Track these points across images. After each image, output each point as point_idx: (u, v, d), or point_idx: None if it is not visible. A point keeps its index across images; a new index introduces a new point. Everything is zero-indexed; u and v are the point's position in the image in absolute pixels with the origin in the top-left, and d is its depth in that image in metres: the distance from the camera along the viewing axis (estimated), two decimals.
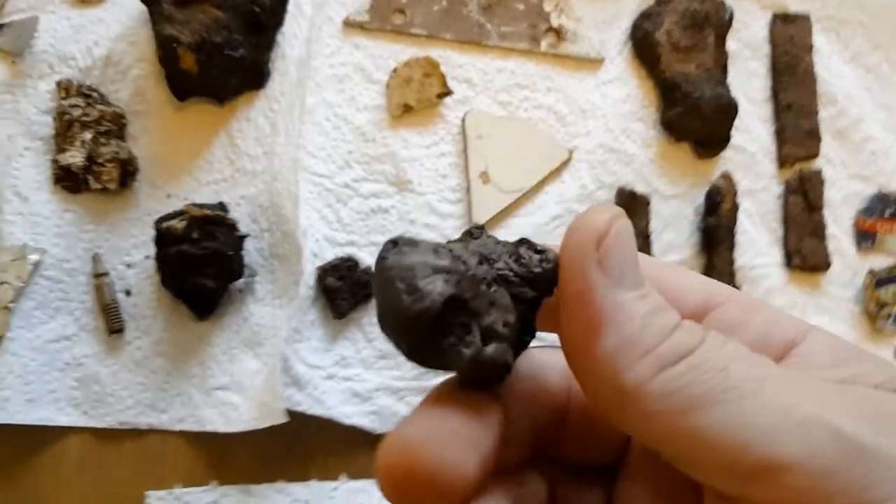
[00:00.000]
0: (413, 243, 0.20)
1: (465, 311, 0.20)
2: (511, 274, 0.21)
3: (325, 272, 0.52)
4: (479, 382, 0.21)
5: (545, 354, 0.24)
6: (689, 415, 0.18)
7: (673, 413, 0.19)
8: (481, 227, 0.23)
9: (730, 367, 0.19)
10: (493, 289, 0.20)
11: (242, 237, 0.50)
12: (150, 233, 0.51)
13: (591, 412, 0.23)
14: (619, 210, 0.21)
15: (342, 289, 0.52)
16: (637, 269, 0.20)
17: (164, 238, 0.48)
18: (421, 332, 0.19)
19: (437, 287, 0.19)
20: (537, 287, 0.21)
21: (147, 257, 0.52)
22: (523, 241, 0.22)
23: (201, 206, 0.49)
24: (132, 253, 0.52)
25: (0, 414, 0.47)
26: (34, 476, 0.48)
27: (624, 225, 0.20)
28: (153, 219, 0.51)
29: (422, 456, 0.19)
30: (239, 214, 0.52)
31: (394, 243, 0.20)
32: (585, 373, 0.20)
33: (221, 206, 0.50)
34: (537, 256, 0.21)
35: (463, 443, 0.19)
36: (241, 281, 0.52)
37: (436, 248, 0.20)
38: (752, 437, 0.18)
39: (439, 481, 0.18)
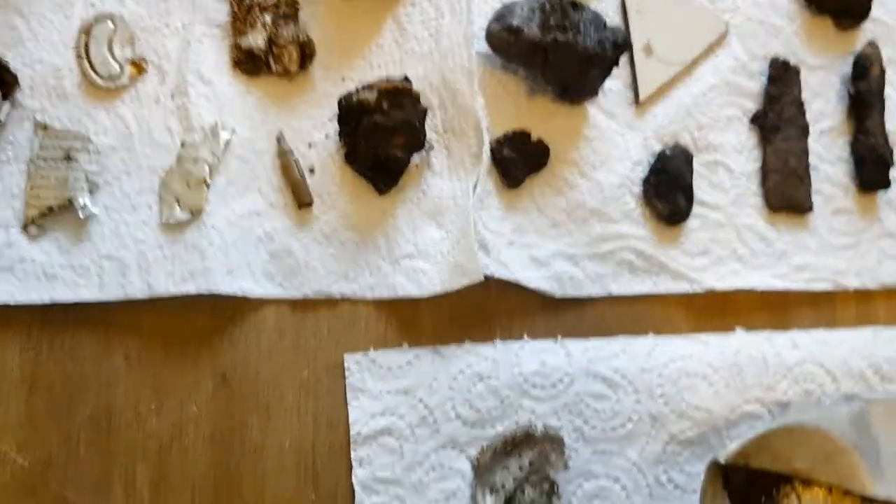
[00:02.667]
0: None
1: None
2: None
3: (500, 144, 0.53)
4: None
5: None
6: None
7: None
8: None
9: None
10: None
11: (425, 109, 0.51)
12: (329, 113, 0.53)
13: None
14: None
15: (517, 159, 0.53)
16: None
17: (354, 111, 0.49)
18: None
19: None
20: None
21: (327, 136, 0.53)
22: None
23: (388, 79, 0.50)
24: (313, 133, 0.53)
25: (204, 282, 0.49)
26: (237, 345, 0.50)
27: None
28: (330, 101, 0.53)
29: None
30: None
31: None
32: None
33: (406, 79, 0.52)
34: None
35: None
36: (417, 156, 0.53)
37: None
38: None
39: None
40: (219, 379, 0.49)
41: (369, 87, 0.50)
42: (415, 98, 0.50)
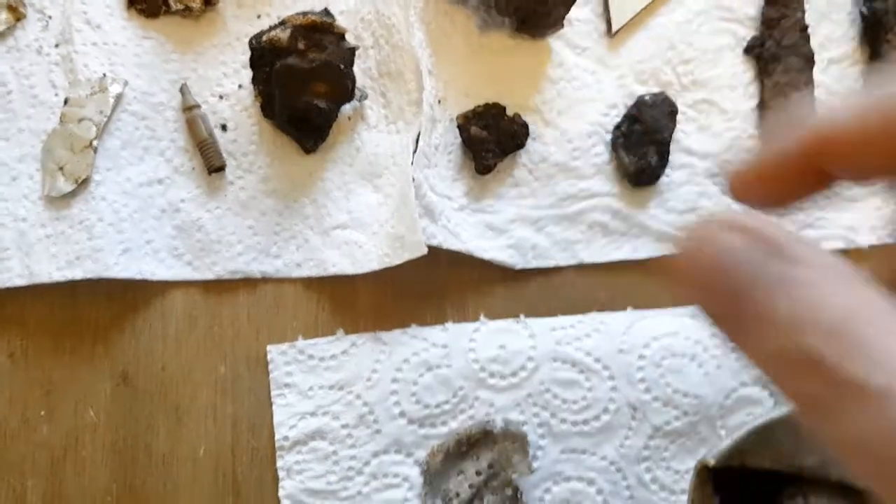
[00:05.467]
0: None
1: None
2: None
3: (467, 120, 0.45)
4: None
5: None
6: None
7: None
8: None
9: None
10: None
11: (353, 49, 0.43)
12: (242, 59, 0.45)
13: None
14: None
15: (488, 140, 0.45)
16: None
17: (265, 54, 0.41)
18: None
19: None
20: None
21: (241, 87, 0.45)
22: None
23: (304, 13, 0.41)
24: (223, 83, 0.45)
25: (94, 266, 0.41)
26: (140, 337, 0.42)
27: None
28: (243, 44, 0.45)
29: None
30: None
31: None
32: None
33: (326, 13, 0.43)
34: None
35: None
36: (349, 106, 0.45)
37: None
38: None
39: None
40: (119, 378, 0.42)
41: (282, 23, 0.42)
42: (338, 35, 0.42)
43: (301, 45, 0.41)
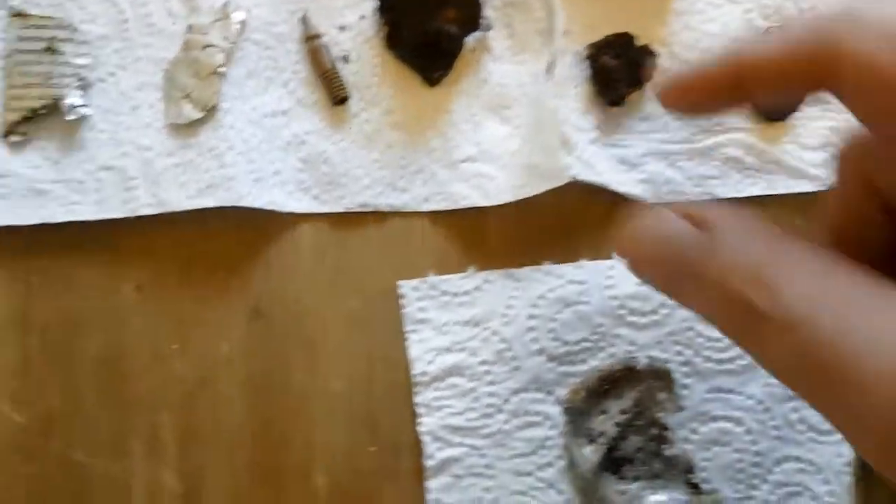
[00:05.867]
0: None
1: None
2: None
3: (597, 50, 0.43)
4: None
5: None
6: None
7: None
8: None
9: None
10: None
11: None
12: None
13: None
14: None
15: (618, 69, 0.43)
16: None
17: None
18: None
19: None
20: None
21: (363, 17, 0.43)
22: None
23: None
24: (345, 13, 0.43)
25: (226, 195, 0.39)
26: (271, 270, 0.41)
27: None
28: None
29: None
30: None
31: None
32: None
33: None
34: None
35: None
36: (472, 38, 0.43)
37: None
38: None
39: None
40: (252, 311, 0.40)
41: None
42: None
43: None
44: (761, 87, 0.27)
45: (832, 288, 0.23)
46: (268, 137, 0.41)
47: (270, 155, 0.41)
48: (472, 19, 0.42)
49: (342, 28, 0.43)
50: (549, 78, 0.42)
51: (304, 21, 0.42)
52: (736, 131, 0.45)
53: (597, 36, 0.44)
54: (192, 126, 0.40)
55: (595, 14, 0.45)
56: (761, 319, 0.23)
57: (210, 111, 0.40)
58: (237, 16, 0.41)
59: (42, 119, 0.40)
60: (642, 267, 0.27)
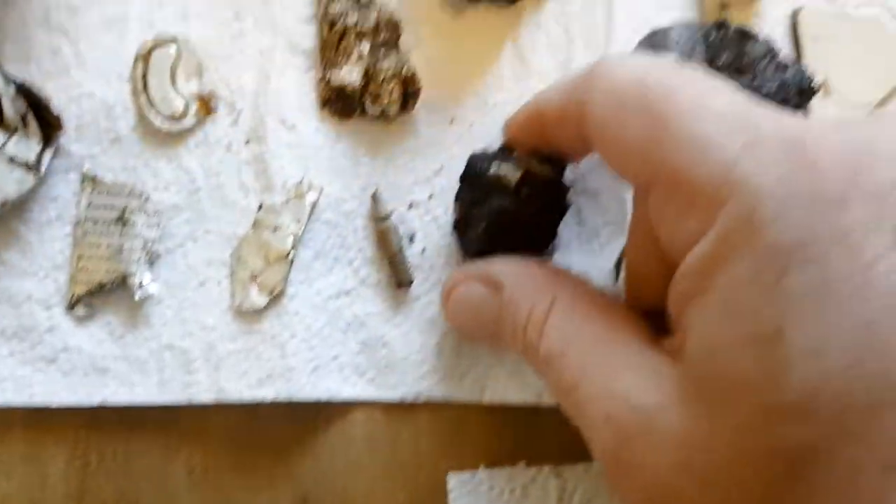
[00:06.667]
0: None
1: None
2: None
3: None
4: None
5: None
6: None
7: None
8: None
9: None
10: None
11: (566, 207, 0.40)
12: (434, 165, 0.43)
13: None
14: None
15: None
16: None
17: (484, 182, 0.39)
18: None
19: None
20: None
21: (431, 196, 0.43)
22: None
23: (539, 156, 0.38)
24: (414, 190, 0.43)
25: (286, 386, 0.40)
26: (320, 458, 0.41)
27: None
28: (435, 149, 0.43)
29: None
30: None
31: None
32: None
33: (558, 163, 0.39)
34: None
35: None
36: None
37: None
38: None
39: None
40: (300, 501, 0.40)
41: (515, 158, 0.38)
42: (563, 192, 0.39)
43: (525, 192, 0.38)
44: (553, 129, 0.34)
45: (577, 338, 0.29)
46: (330, 321, 0.41)
47: (331, 339, 0.41)
48: (541, 243, 0.41)
49: (411, 205, 0.43)
50: (616, 277, 0.42)
51: (375, 199, 0.42)
52: None
53: None
54: (258, 312, 0.40)
55: None
56: (536, 354, 0.30)
57: (276, 297, 0.40)
58: (310, 196, 0.41)
59: (108, 291, 0.40)
60: (464, 331, 0.38)
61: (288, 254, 0.40)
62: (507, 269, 0.34)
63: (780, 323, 0.21)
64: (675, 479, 0.24)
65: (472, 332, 0.36)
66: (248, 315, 0.40)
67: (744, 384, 0.22)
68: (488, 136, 0.43)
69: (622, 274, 0.41)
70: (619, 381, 0.26)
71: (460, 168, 0.41)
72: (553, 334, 0.30)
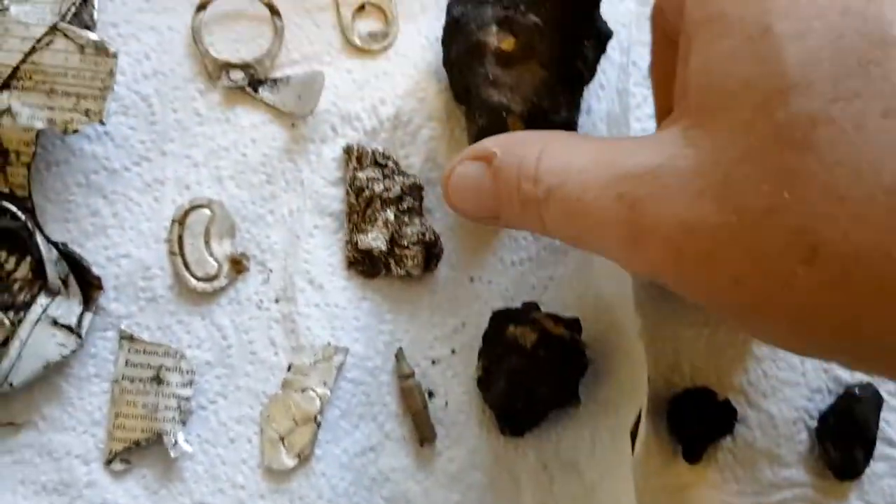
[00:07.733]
0: None
1: None
2: None
3: (676, 403, 0.45)
4: None
5: None
6: None
7: None
8: None
9: None
10: None
11: (585, 366, 0.42)
12: (455, 322, 0.45)
13: None
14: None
15: (697, 423, 0.44)
16: None
17: (501, 340, 0.41)
18: None
19: None
20: None
21: (453, 352, 0.45)
22: None
23: (556, 318, 0.41)
24: (435, 346, 0.45)
25: None
26: None
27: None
28: (456, 307, 0.45)
29: None
30: (546, 300, 0.45)
31: None
32: None
33: (576, 325, 0.42)
34: None
35: None
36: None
37: None
38: None
39: None
40: None
41: (532, 320, 0.41)
42: (580, 353, 0.41)
43: (542, 352, 0.40)
44: None
45: (575, 159, 0.29)
46: (355, 479, 0.43)
47: (356, 497, 0.43)
48: (561, 400, 0.43)
49: (432, 361, 0.45)
50: (633, 448, 0.43)
51: (400, 356, 0.44)
52: (804, 487, 0.46)
53: (676, 385, 0.46)
54: (286, 472, 0.42)
55: (675, 361, 0.46)
56: (536, 202, 0.30)
57: (304, 458, 0.42)
58: (337, 359, 0.43)
59: (144, 448, 0.42)
60: (468, 215, 0.37)
61: (315, 416, 0.42)
62: (496, 139, 0.35)
63: (766, 21, 0.24)
64: (695, 213, 0.24)
65: (476, 213, 0.36)
66: (276, 474, 0.42)
67: (744, 84, 0.24)
68: (507, 294, 0.45)
69: (637, 451, 0.43)
70: (623, 165, 0.27)
71: (480, 324, 0.43)
72: (547, 176, 0.30)
